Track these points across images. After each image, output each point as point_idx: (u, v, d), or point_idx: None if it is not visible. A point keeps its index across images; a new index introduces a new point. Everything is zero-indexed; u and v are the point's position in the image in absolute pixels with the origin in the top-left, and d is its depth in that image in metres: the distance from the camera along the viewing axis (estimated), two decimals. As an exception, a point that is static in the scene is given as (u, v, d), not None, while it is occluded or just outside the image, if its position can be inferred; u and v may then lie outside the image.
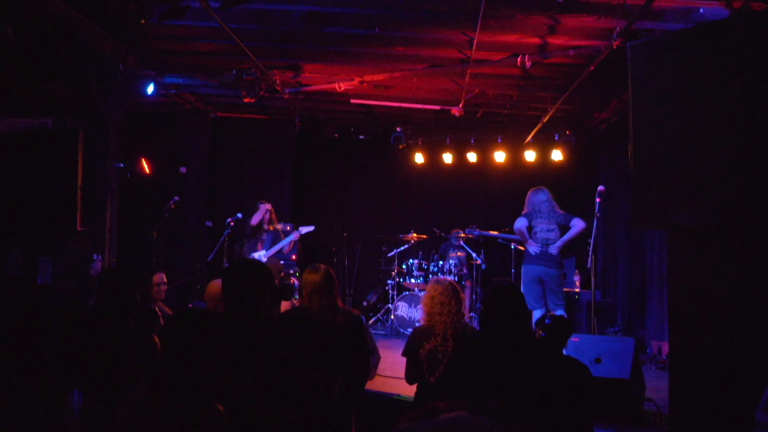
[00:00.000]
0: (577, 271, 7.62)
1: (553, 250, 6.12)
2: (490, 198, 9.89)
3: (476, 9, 4.78)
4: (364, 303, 9.32)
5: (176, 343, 2.15)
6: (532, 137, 8.63)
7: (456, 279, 7.88)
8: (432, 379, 3.51)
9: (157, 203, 7.25)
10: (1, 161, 5.03)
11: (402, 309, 7.96)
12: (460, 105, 7.30)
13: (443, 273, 7.96)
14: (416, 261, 8.30)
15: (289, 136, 9.24)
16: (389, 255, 8.89)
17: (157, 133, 8.46)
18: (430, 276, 8.05)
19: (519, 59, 5.79)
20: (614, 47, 4.99)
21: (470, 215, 9.78)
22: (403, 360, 3.67)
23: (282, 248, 7.17)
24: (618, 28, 4.81)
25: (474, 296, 8.28)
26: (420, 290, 7.93)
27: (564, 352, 4.68)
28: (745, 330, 3.77)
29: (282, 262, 7.27)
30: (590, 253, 5.58)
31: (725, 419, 3.77)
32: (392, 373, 5.56)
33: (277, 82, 6.90)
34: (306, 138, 9.73)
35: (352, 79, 6.87)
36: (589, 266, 5.63)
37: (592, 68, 5.61)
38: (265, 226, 7.38)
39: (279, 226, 7.46)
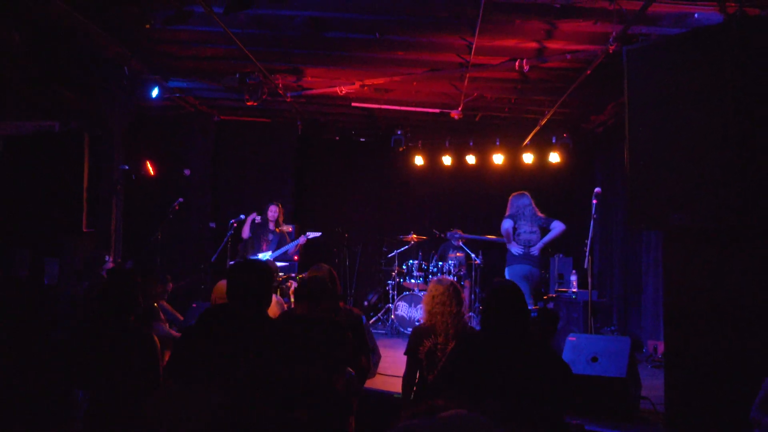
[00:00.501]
0: (574, 272, 7.68)
1: (535, 251, 6.55)
2: (488, 199, 9.94)
3: (475, 14, 4.85)
4: (365, 303, 9.39)
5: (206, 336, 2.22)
6: (530, 140, 8.71)
7: (455, 279, 7.94)
8: (431, 378, 3.54)
9: (162, 205, 7.33)
10: (9, 163, 5.09)
11: (402, 309, 8.04)
12: (459, 108, 7.38)
13: (442, 273, 8.03)
14: (416, 261, 8.37)
15: (292, 138, 9.34)
16: (389, 255, 8.96)
17: (161, 136, 8.53)
18: (430, 276, 8.12)
19: (517, 63, 5.86)
20: (611, 51, 5.04)
21: (469, 216, 9.86)
22: (404, 359, 3.70)
23: (287, 251, 7.27)
24: (614, 33, 4.86)
25: (473, 296, 8.35)
26: (420, 290, 8.01)
27: (562, 350, 4.79)
28: (739, 330, 3.81)
29: (286, 263, 7.35)
30: (587, 253, 5.64)
31: (720, 418, 3.83)
32: (393, 371, 5.61)
33: (280, 85, 6.98)
34: (308, 140, 9.81)
35: (353, 83, 6.93)
36: (586, 267, 5.69)
37: (588, 72, 5.67)
38: (272, 227, 7.47)
39: (286, 229, 7.56)
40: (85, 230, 4.90)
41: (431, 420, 1.49)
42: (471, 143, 9.16)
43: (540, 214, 6.71)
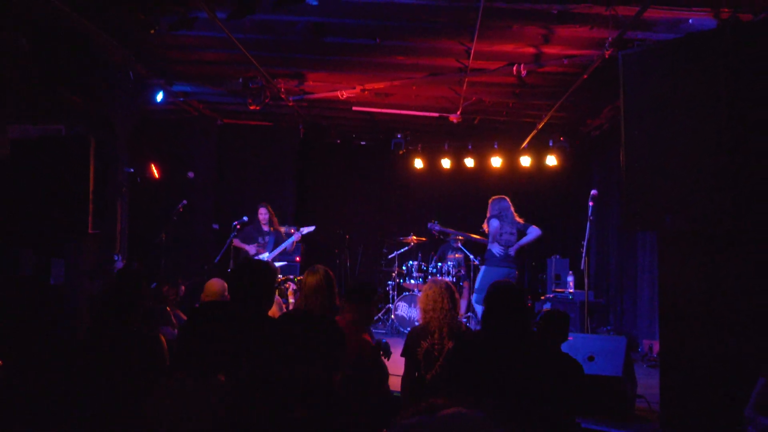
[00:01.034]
0: (571, 273, 7.77)
1: (512, 251, 6.93)
2: (486, 202, 10.01)
3: (474, 20, 4.92)
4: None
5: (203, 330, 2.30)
6: (528, 143, 8.81)
7: (454, 280, 8.04)
8: (429, 377, 3.59)
9: (166, 207, 7.41)
10: (16, 167, 5.15)
11: (402, 309, 8.12)
12: (458, 112, 7.47)
13: (442, 274, 8.11)
14: (416, 262, 8.45)
15: (293, 141, 9.43)
16: (390, 256, 9.05)
17: (165, 139, 8.61)
18: (429, 277, 8.20)
19: (515, 68, 5.93)
20: (606, 56, 5.13)
21: (468, 218, 9.93)
22: (403, 359, 3.76)
23: (286, 248, 7.34)
24: (610, 38, 4.95)
25: (473, 296, 8.43)
26: (419, 291, 8.08)
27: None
28: (733, 332, 3.85)
29: (285, 263, 7.42)
30: (584, 255, 5.72)
31: (715, 419, 3.87)
32: (392, 371, 5.64)
33: (282, 90, 7.06)
34: (309, 144, 9.89)
35: (354, 88, 7.02)
36: (582, 268, 5.77)
37: (585, 77, 5.76)
38: (266, 228, 7.54)
39: (282, 229, 7.63)
40: (90, 231, 4.95)
41: (431, 418, 1.50)
42: (470, 146, 9.25)
43: (519, 219, 7.05)
